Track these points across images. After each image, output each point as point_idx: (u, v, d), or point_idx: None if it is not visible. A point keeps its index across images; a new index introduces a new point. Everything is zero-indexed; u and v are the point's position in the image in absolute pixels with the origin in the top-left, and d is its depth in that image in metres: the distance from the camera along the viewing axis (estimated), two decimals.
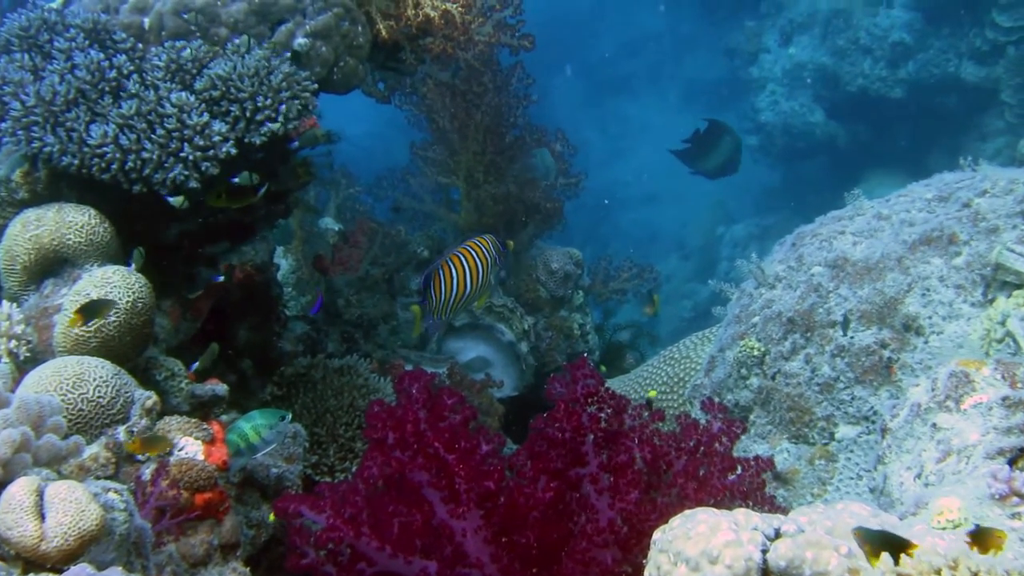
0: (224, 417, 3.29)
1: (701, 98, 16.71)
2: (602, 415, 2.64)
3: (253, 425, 2.88)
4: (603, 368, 5.78)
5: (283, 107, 3.31)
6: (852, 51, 11.10)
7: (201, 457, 2.77)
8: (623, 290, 6.40)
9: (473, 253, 3.62)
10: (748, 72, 12.67)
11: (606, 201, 13.90)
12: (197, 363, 3.41)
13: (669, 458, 2.61)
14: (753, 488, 2.62)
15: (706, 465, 2.62)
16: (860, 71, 11.01)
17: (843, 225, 3.84)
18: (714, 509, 1.95)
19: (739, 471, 2.63)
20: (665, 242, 14.57)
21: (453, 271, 3.58)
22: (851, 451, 3.37)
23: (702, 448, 2.65)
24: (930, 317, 3.33)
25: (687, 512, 1.94)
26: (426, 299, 3.60)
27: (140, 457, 2.67)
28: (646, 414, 2.67)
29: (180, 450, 2.77)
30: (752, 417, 3.70)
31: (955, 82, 10.34)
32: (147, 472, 2.65)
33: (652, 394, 3.92)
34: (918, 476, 2.57)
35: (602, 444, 2.62)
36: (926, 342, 3.32)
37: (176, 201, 3.18)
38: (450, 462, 2.58)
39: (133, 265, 3.10)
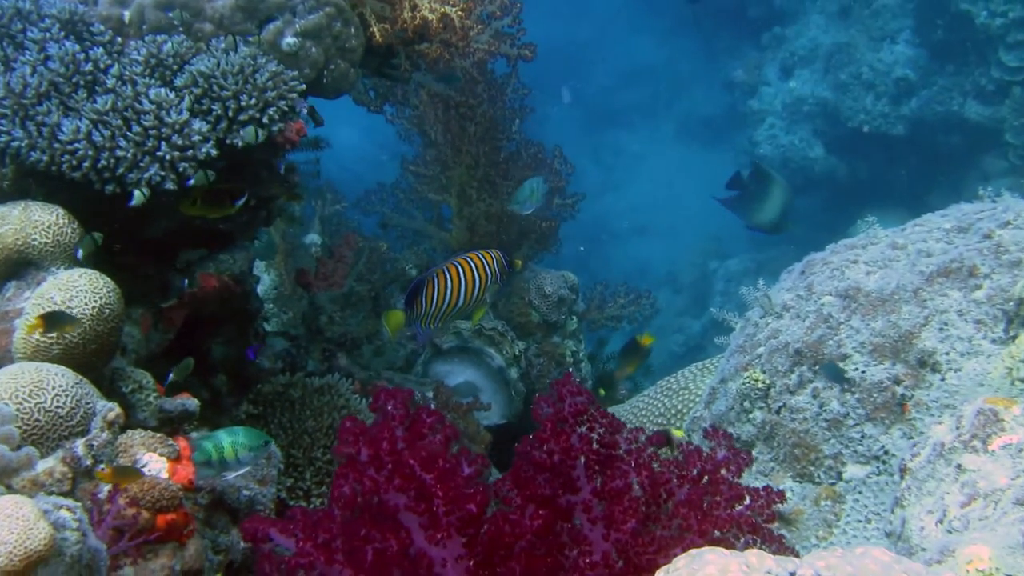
0: (194, 434, 3.10)
1: (697, 132, 16.71)
2: (594, 435, 2.42)
3: (233, 441, 2.71)
4: (602, 392, 5.59)
5: (270, 108, 3.16)
6: (854, 86, 11.03)
7: (165, 475, 2.59)
8: (619, 317, 6.19)
9: (472, 265, 3.47)
10: (747, 105, 12.61)
11: (581, 248, 13.79)
12: (172, 374, 3.23)
13: (670, 486, 2.40)
14: (763, 521, 2.42)
15: (711, 494, 2.42)
16: (862, 106, 10.94)
17: (856, 254, 3.67)
18: (723, 549, 1.76)
19: (747, 501, 2.43)
20: (656, 275, 14.45)
21: (448, 280, 3.43)
22: (860, 492, 3.19)
23: (706, 476, 2.44)
24: (947, 353, 3.15)
25: (693, 552, 1.76)
26: (413, 307, 3.46)
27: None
28: (643, 437, 2.47)
29: (143, 466, 2.58)
30: (754, 453, 3.51)
31: (959, 121, 10.27)
32: (105, 489, 2.46)
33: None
34: (940, 521, 2.39)
35: (595, 468, 2.40)
36: (943, 379, 3.14)
37: (137, 197, 3.00)
38: (428, 483, 2.37)
39: (80, 252, 2.91)
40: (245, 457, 2.73)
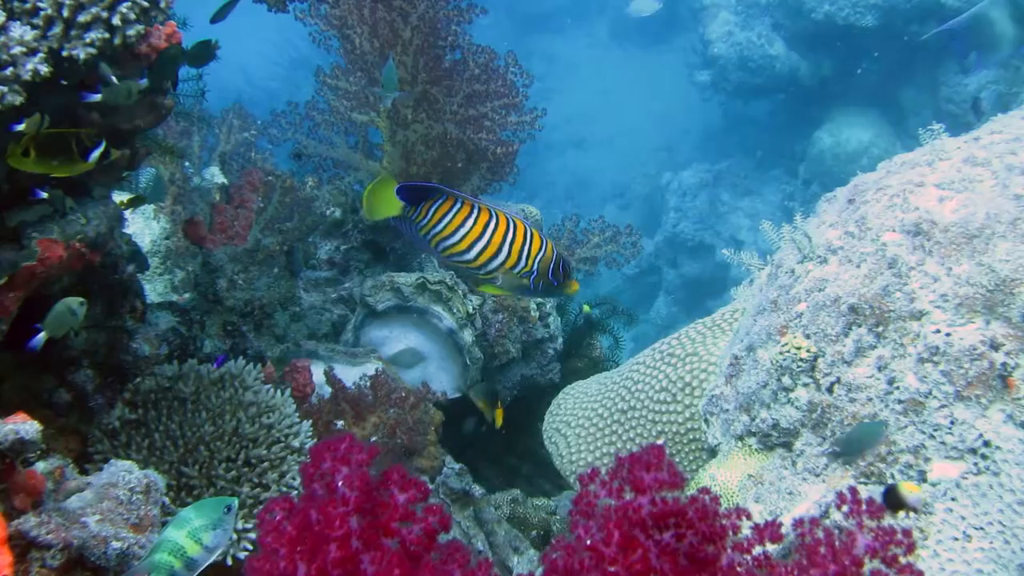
0: (41, 465, 2.33)
1: (634, 33, 16.39)
2: (682, 546, 1.49)
3: (190, 531, 2.12)
4: (595, 338, 4.82)
5: (122, 4, 2.30)
6: None
7: None
8: (594, 258, 5.28)
9: (512, 228, 2.89)
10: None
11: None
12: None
13: None
14: None
15: None
16: None
17: (920, 174, 2.82)
18: None
19: None
20: (599, 190, 14.06)
21: (473, 218, 2.86)
22: (953, 499, 2.37)
23: None
24: None
25: None
26: (418, 207, 2.89)
27: None
28: (748, 525, 1.53)
29: None
30: (799, 445, 2.68)
31: (935, 7, 9.66)
32: None
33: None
34: None
35: None
36: None
37: None
38: None
39: None
40: (213, 539, 2.13)
